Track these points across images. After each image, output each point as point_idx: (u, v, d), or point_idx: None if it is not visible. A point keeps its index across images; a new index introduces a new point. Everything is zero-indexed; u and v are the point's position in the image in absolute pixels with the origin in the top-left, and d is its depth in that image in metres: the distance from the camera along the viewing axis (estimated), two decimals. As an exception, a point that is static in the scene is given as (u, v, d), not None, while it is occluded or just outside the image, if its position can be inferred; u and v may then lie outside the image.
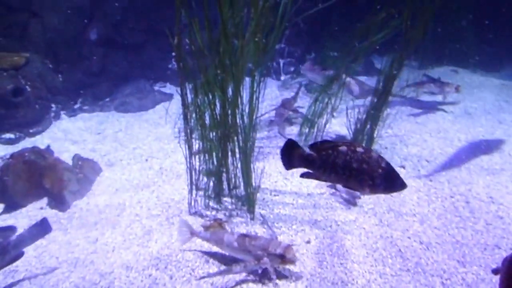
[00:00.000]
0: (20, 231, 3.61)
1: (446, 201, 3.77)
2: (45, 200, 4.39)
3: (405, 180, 2.39)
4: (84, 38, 8.22)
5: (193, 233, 3.26)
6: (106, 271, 3.23)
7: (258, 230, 3.61)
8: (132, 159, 5.36)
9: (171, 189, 4.44)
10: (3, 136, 6.33)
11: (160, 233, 3.67)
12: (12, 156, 4.46)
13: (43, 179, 4.32)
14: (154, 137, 6.09)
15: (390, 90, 4.39)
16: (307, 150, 2.64)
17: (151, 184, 4.60)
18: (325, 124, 4.95)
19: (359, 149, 2.41)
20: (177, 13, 3.65)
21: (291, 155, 2.63)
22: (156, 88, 8.48)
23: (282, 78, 8.42)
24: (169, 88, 8.51)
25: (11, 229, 3.61)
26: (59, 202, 4.25)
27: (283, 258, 2.87)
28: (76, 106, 7.59)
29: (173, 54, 9.09)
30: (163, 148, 5.61)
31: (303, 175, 2.70)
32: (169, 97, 7.99)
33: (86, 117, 7.21)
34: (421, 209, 3.67)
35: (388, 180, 2.35)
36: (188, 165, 4.01)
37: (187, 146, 3.99)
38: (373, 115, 4.60)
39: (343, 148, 2.44)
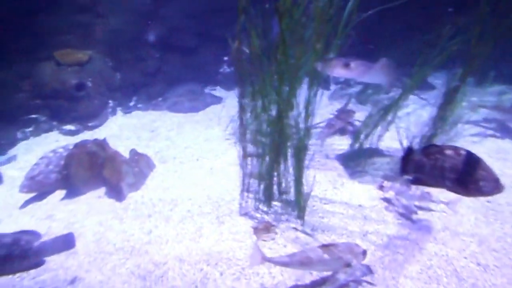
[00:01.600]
0: (44, 238, 3.62)
1: (506, 224, 3.63)
2: (103, 190, 4.61)
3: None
4: (143, 39, 8.59)
5: (265, 259, 2.89)
6: (160, 261, 3.35)
7: (308, 238, 3.62)
8: (183, 157, 5.52)
9: (221, 189, 4.53)
10: (65, 127, 6.70)
11: (211, 231, 3.76)
12: (76, 146, 4.72)
13: (103, 170, 4.54)
14: (204, 137, 6.24)
15: (453, 106, 4.29)
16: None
17: (202, 183, 4.72)
18: (378, 138, 4.90)
19: (463, 152, 2.40)
20: (239, 19, 3.74)
21: (408, 160, 2.66)
22: (206, 90, 8.70)
23: (332, 88, 8.40)
24: (219, 92, 8.70)
25: (34, 234, 3.51)
26: (116, 192, 4.44)
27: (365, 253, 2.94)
28: (131, 104, 7.91)
29: (225, 58, 9.34)
30: (213, 149, 5.74)
31: (413, 181, 2.70)
32: (219, 100, 8.16)
33: (140, 115, 7.49)
34: (479, 230, 3.56)
35: (488, 181, 2.33)
36: (241, 167, 4.10)
37: (241, 149, 4.08)
38: (433, 133, 4.50)
39: (450, 151, 2.45)
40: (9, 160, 5.84)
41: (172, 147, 5.93)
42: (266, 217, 3.95)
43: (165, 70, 8.75)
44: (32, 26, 7.26)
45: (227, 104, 7.90)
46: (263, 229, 3.73)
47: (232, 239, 3.61)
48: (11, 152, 6.19)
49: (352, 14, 3.62)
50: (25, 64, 7.14)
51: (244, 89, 4.03)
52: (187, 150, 5.79)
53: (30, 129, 6.68)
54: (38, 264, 3.29)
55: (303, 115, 3.77)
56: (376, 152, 4.99)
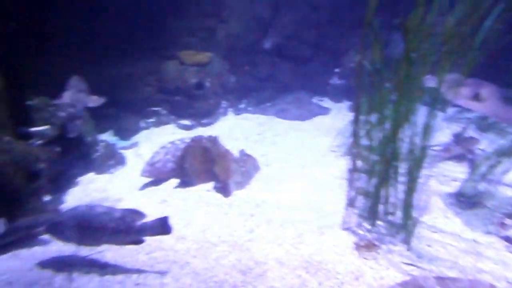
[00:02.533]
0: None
1: None
2: (211, 184, 4.89)
3: None
4: (259, 46, 8.93)
5: None
6: (260, 260, 3.45)
7: (413, 265, 3.44)
8: (288, 163, 5.62)
9: (324, 200, 4.52)
10: (181, 122, 7.25)
11: (312, 239, 3.77)
12: (192, 140, 5.09)
13: (214, 166, 4.82)
14: (309, 147, 6.28)
15: None
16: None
17: (305, 191, 4.76)
18: (503, 171, 4.47)
19: None
20: (364, 30, 3.71)
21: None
22: (314, 100, 8.73)
23: (449, 110, 7.86)
24: (326, 103, 8.68)
25: (139, 214, 3.54)
26: (223, 188, 4.68)
27: None
28: (241, 106, 8.27)
29: (336, 70, 9.29)
30: (318, 159, 5.75)
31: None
32: (326, 111, 8.14)
33: (249, 117, 7.80)
34: None
35: None
36: (348, 181, 4.06)
37: (350, 162, 4.04)
38: None
39: None
40: (132, 146, 6.49)
41: (277, 152, 6.07)
42: (369, 235, 3.85)
43: (276, 77, 8.99)
44: (162, 28, 7.99)
45: (334, 116, 7.86)
46: (365, 246, 3.64)
47: (333, 251, 3.58)
48: (134, 139, 6.86)
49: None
50: (153, 62, 7.88)
51: (360, 102, 3.99)
52: (292, 157, 5.88)
53: (152, 120, 7.35)
54: (138, 241, 3.45)
55: (419, 134, 3.61)
56: (498, 186, 4.56)
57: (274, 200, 4.56)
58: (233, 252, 3.59)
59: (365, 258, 3.49)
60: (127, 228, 3.38)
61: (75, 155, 5.09)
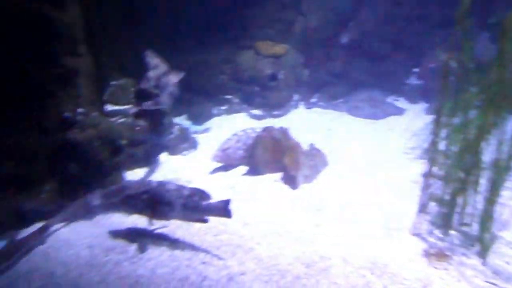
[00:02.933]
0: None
1: None
2: (279, 175, 4.93)
3: None
4: (335, 40, 8.78)
5: None
6: (324, 256, 3.43)
7: (488, 281, 3.24)
8: (357, 162, 5.51)
9: (394, 203, 4.38)
10: (252, 111, 7.37)
11: (378, 241, 3.68)
12: (264, 129, 5.16)
13: (284, 157, 4.85)
14: (381, 147, 6.09)
15: None
16: None
17: (374, 192, 4.64)
18: None
19: None
20: (454, 29, 3.52)
21: None
22: (389, 100, 8.44)
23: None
24: (402, 103, 8.34)
25: (205, 194, 3.63)
26: (291, 180, 4.71)
27: None
28: (313, 100, 8.21)
29: (415, 70, 8.88)
30: (390, 160, 5.57)
31: None
32: (401, 111, 7.84)
33: (320, 112, 7.73)
34: None
35: None
36: (422, 186, 3.89)
37: (426, 167, 3.87)
38: None
39: None
40: (204, 131, 6.73)
41: (347, 149, 5.97)
42: (440, 244, 3.67)
43: (351, 73, 8.80)
44: (240, 17, 8.14)
45: (409, 117, 7.53)
46: (436, 255, 3.48)
47: (400, 256, 3.47)
48: (206, 124, 7.10)
49: None
50: (229, 50, 8.06)
51: (443, 104, 3.79)
52: (362, 155, 5.75)
53: (224, 107, 7.56)
54: (203, 220, 3.61)
55: (507, 142, 3.37)
56: None
57: (341, 197, 4.50)
58: (297, 244, 3.61)
59: (435, 267, 3.34)
60: (194, 206, 3.55)
61: (154, 134, 5.38)
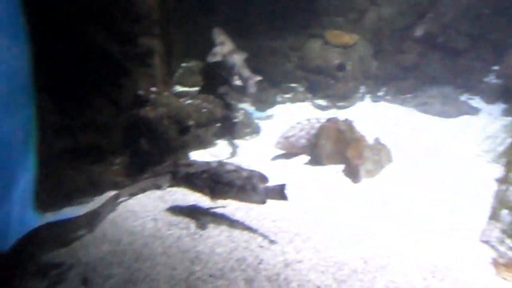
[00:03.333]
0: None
1: None
2: (341, 167, 4.86)
3: None
4: (408, 33, 8.38)
5: None
6: (384, 252, 3.34)
7: None
8: (423, 160, 5.28)
9: (462, 206, 4.17)
10: (317, 101, 7.29)
11: (442, 243, 3.53)
12: (328, 120, 5.09)
13: (347, 149, 4.77)
14: (450, 147, 5.80)
15: None
16: None
17: (441, 193, 4.43)
18: None
19: None
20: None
21: None
22: (463, 98, 7.95)
23: None
24: (477, 102, 7.83)
25: (263, 177, 3.67)
26: (353, 173, 4.63)
27: None
28: (380, 94, 7.95)
29: (495, 68, 8.27)
30: (459, 161, 5.28)
31: None
32: (476, 111, 7.37)
33: (386, 106, 7.49)
34: None
35: None
36: (496, 192, 3.67)
37: (501, 172, 3.64)
38: None
39: None
40: (267, 118, 6.77)
41: (413, 146, 5.74)
42: (509, 253, 3.45)
43: (422, 67, 8.37)
44: (311, 5, 8.01)
45: (484, 118, 7.05)
46: (505, 265, 3.27)
47: (465, 261, 3.30)
48: (269, 111, 7.13)
49: None
50: (297, 39, 7.99)
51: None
52: (430, 154, 5.50)
53: (288, 95, 7.54)
54: (261, 202, 3.63)
55: None
56: None
57: (404, 195, 4.35)
58: (355, 238, 3.55)
59: (503, 278, 3.15)
60: (252, 188, 3.61)
61: (220, 117, 5.52)
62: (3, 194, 3.61)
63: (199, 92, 5.90)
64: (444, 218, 3.94)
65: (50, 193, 4.18)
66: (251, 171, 3.72)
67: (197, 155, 5.20)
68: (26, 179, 4.04)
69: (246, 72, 5.77)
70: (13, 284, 3.03)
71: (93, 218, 3.79)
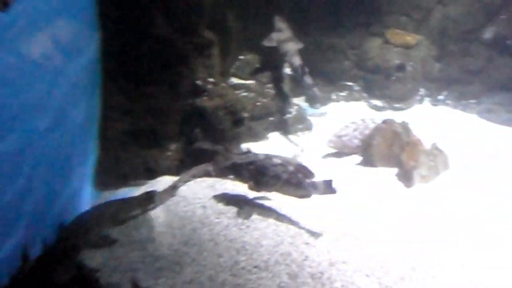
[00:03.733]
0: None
1: None
2: (394, 170, 4.71)
3: None
4: (476, 34, 7.93)
5: None
6: (435, 261, 3.23)
7: None
8: (483, 170, 4.99)
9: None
10: (372, 101, 7.11)
11: (502, 262, 3.33)
12: (384, 121, 4.97)
13: (402, 153, 4.63)
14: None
15: None
16: None
17: (503, 207, 4.18)
18: None
19: None
20: None
21: None
22: (533, 107, 7.40)
23: None
24: (549, 113, 7.27)
25: (309, 172, 3.73)
26: (406, 177, 4.49)
27: None
28: (440, 97, 7.58)
29: None
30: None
31: None
32: (548, 122, 6.84)
33: (446, 111, 7.15)
34: None
35: None
36: None
37: None
38: None
39: None
40: (320, 115, 6.70)
41: (473, 154, 5.44)
42: None
43: (490, 72, 7.87)
44: (373, 4, 7.78)
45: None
46: None
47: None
48: (323, 109, 7.04)
49: None
50: (356, 36, 7.79)
51: None
52: (491, 164, 5.18)
53: (343, 94, 7.39)
54: (305, 196, 3.67)
55: None
56: None
57: (460, 204, 4.16)
58: (406, 243, 3.46)
59: None
60: (298, 182, 3.64)
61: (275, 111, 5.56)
62: (67, 172, 3.86)
63: (251, 74, 5.93)
64: (505, 234, 3.72)
65: (108, 173, 4.42)
66: (298, 165, 3.76)
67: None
68: (88, 158, 4.30)
69: (297, 61, 5.83)
70: (74, 254, 3.26)
71: (147, 201, 3.95)
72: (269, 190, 3.86)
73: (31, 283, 2.85)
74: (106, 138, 4.46)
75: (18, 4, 2.36)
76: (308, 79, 5.89)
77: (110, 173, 4.41)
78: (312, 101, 6.79)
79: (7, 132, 2.89)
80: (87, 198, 4.19)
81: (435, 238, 3.57)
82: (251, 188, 3.87)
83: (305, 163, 3.96)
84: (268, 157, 3.88)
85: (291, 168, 3.70)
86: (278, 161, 3.79)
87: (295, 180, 3.65)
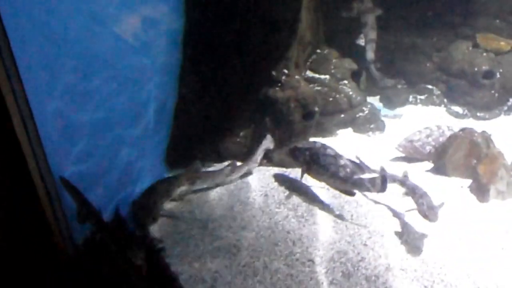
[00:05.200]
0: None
1: None
2: (467, 182, 4.43)
3: None
4: None
5: None
6: (503, 285, 3.04)
7: None
8: None
9: None
10: (453, 107, 6.72)
11: None
12: (463, 130, 4.69)
13: (479, 164, 4.34)
14: None
15: None
16: None
17: None
18: None
19: None
20: None
21: None
22: None
23: None
24: None
25: (361, 168, 3.91)
26: (481, 191, 4.20)
27: None
28: (531, 110, 6.97)
29: None
30: None
31: None
32: None
33: (537, 125, 6.55)
34: None
35: None
36: None
37: None
38: None
39: None
40: (394, 116, 6.46)
41: None
42: None
43: None
44: (467, 3, 7.29)
45: None
46: None
47: None
48: (398, 110, 6.78)
49: None
50: (443, 38, 7.37)
51: None
52: None
53: (422, 97, 7.05)
54: (350, 193, 3.78)
55: None
56: None
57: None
58: (472, 261, 3.27)
59: None
60: (345, 177, 3.72)
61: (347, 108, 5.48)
62: (142, 149, 4.12)
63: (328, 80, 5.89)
64: None
65: (179, 152, 4.64)
66: (350, 160, 3.88)
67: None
68: (162, 136, 4.55)
69: (372, 35, 5.97)
70: (144, 223, 3.53)
71: (194, 177, 4.17)
72: (319, 179, 3.99)
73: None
74: (181, 119, 4.67)
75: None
76: (370, 54, 6.06)
77: (181, 152, 4.62)
78: (387, 100, 6.62)
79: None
80: (159, 174, 4.44)
81: (507, 262, 3.33)
82: (303, 172, 4.02)
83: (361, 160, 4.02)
84: (324, 147, 4.02)
85: (341, 161, 3.80)
86: (331, 152, 3.94)
87: (343, 174, 3.73)
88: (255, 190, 4.18)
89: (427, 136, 4.95)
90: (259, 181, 4.37)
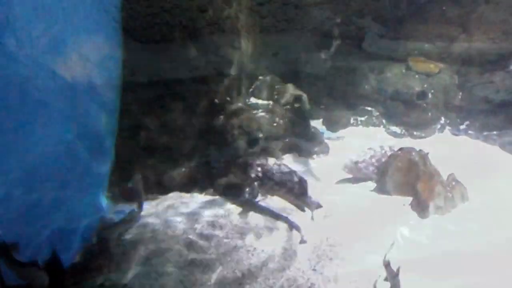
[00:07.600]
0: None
1: None
2: (408, 200, 4.60)
3: None
4: (502, 65, 7.81)
5: None
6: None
7: None
8: (504, 203, 4.82)
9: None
10: (391, 127, 7.04)
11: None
12: (401, 149, 4.89)
13: (418, 182, 4.52)
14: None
15: None
16: None
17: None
18: None
19: None
20: None
21: None
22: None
23: None
24: None
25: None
26: (421, 208, 4.37)
27: None
28: (462, 127, 7.46)
29: None
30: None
31: None
32: None
33: (467, 142, 7.01)
34: None
35: None
36: None
37: None
38: None
39: None
40: (337, 138, 6.65)
41: (492, 187, 5.25)
42: None
43: (515, 103, 7.72)
44: (397, 31, 7.77)
45: None
46: None
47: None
48: (341, 132, 7.00)
49: None
50: (378, 60, 7.79)
51: None
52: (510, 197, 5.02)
53: (362, 119, 7.34)
54: (301, 208, 4.06)
55: None
56: None
57: (477, 238, 4.01)
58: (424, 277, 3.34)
59: None
60: (299, 193, 3.98)
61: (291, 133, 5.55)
62: (80, 180, 3.90)
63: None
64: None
65: (121, 185, 4.45)
66: (303, 178, 4.09)
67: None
68: (103, 169, 4.34)
69: None
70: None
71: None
72: (272, 194, 4.13)
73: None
74: (122, 151, 4.50)
75: None
76: None
77: (123, 185, 4.44)
78: (329, 122, 6.80)
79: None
80: (99, 206, 4.21)
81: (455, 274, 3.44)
82: (255, 188, 4.14)
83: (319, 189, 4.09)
84: (278, 164, 4.22)
85: (296, 178, 4.03)
86: (285, 169, 4.14)
87: (297, 190, 3.98)
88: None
89: (371, 157, 5.12)
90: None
